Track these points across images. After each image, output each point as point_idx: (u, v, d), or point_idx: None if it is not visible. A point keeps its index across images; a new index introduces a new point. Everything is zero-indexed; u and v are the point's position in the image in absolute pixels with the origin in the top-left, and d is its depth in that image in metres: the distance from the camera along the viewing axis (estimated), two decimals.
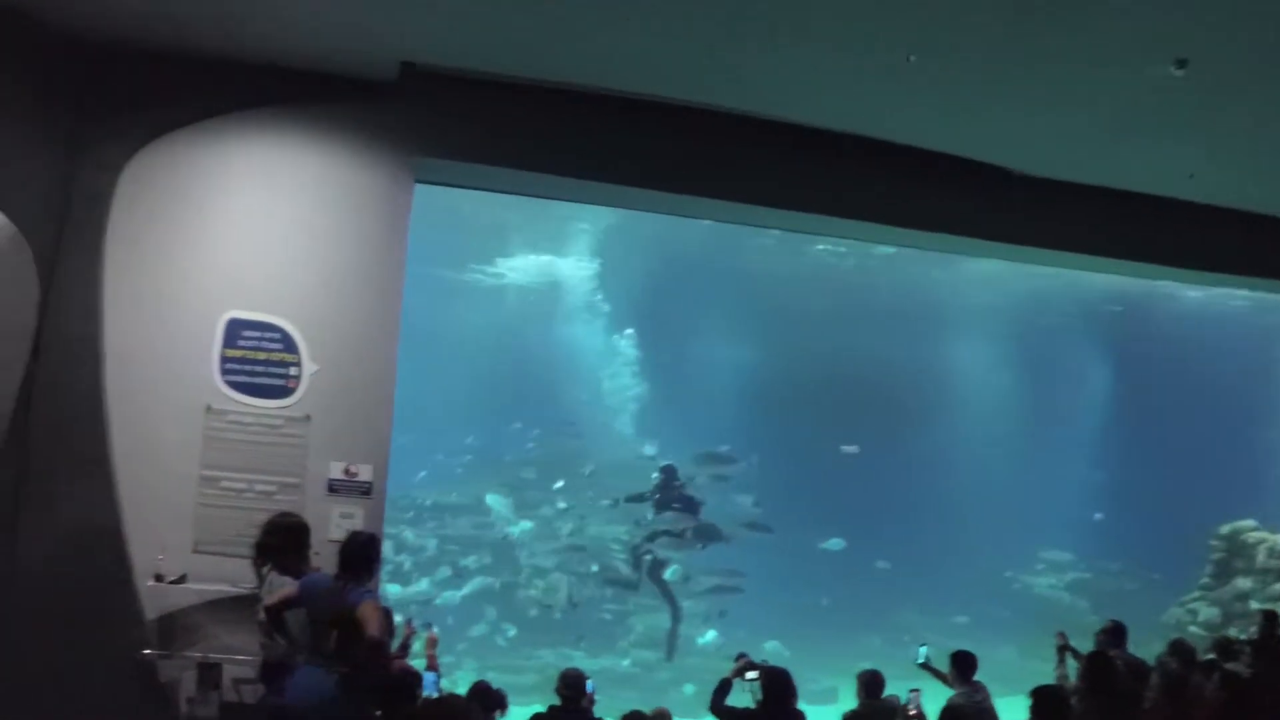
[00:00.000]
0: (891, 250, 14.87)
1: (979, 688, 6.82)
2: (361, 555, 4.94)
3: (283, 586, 5.08)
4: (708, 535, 13.79)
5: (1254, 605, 11.51)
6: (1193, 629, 9.81)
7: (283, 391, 6.36)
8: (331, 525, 6.25)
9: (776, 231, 13.98)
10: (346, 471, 6.45)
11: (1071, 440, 15.77)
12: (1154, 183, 9.19)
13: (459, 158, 7.05)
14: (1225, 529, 12.61)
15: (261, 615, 5.12)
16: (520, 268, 16.12)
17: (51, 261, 6.28)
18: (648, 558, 13.57)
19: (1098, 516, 15.77)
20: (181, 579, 5.88)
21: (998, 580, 15.37)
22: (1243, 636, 7.81)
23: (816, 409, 14.65)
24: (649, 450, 14.54)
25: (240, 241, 6.52)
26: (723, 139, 7.61)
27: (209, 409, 6.23)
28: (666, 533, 13.43)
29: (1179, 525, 13.49)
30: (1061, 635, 7.67)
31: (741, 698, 6.14)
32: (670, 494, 13.53)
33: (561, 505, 14.64)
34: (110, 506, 6.08)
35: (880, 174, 8.23)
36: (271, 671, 5.13)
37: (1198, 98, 7.22)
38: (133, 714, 5.95)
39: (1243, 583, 12.01)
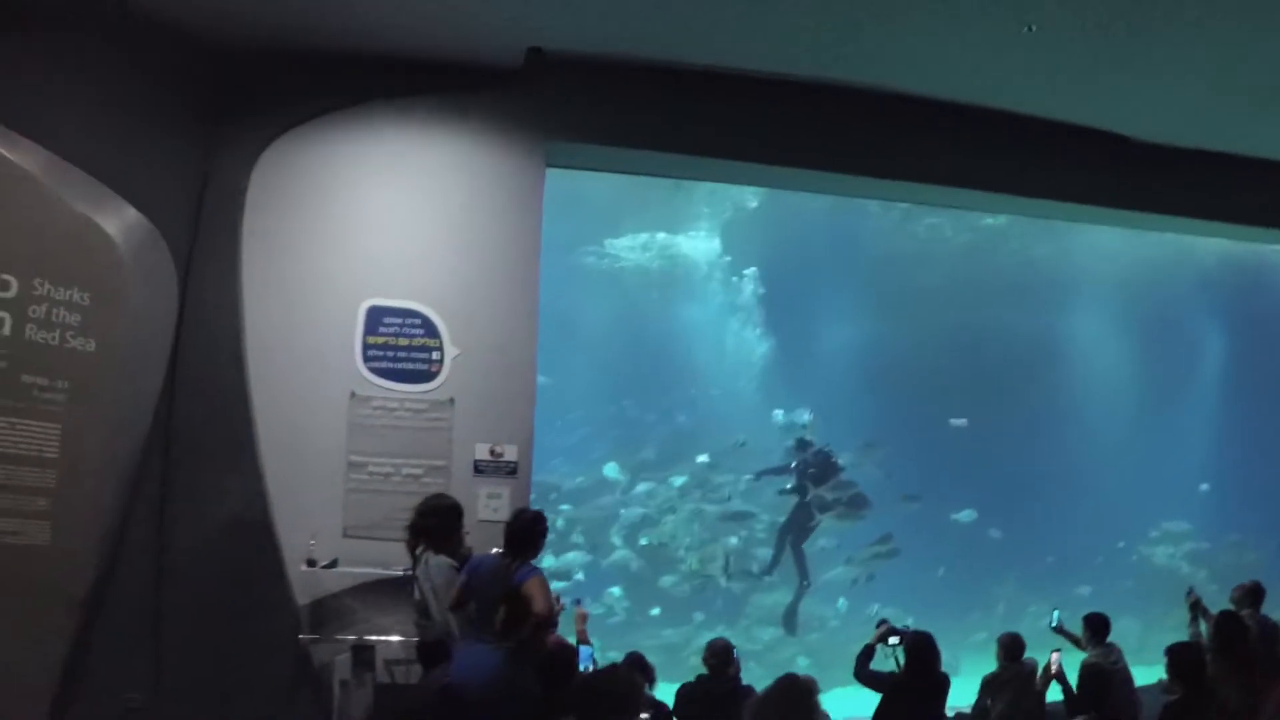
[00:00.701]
0: (1000, 222, 14.69)
1: (1113, 649, 6.78)
2: (529, 533, 4.93)
3: (441, 567, 5.09)
4: (861, 504, 13.65)
5: None
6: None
7: (426, 376, 6.40)
8: (479, 505, 6.29)
9: (896, 210, 14.18)
10: (492, 452, 6.47)
11: (1188, 411, 15.27)
12: (1269, 147, 8.99)
13: (589, 140, 7.04)
14: None
15: (418, 594, 5.15)
16: (639, 247, 15.97)
17: (189, 258, 6.41)
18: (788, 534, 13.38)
19: (1204, 487, 15.26)
20: (333, 564, 5.96)
21: (1115, 552, 14.98)
22: None
23: (936, 384, 14.25)
24: (804, 418, 14.08)
25: (376, 230, 6.57)
26: (847, 114, 7.51)
27: (354, 395, 6.31)
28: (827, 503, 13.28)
29: None
30: (1193, 593, 7.58)
31: (885, 663, 6.18)
32: (813, 464, 13.24)
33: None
34: (259, 496, 6.19)
35: (1000, 144, 8.15)
36: (429, 651, 5.16)
37: None
38: (290, 698, 6.06)
39: None
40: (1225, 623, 6.01)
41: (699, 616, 13.85)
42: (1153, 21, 6.56)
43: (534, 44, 6.73)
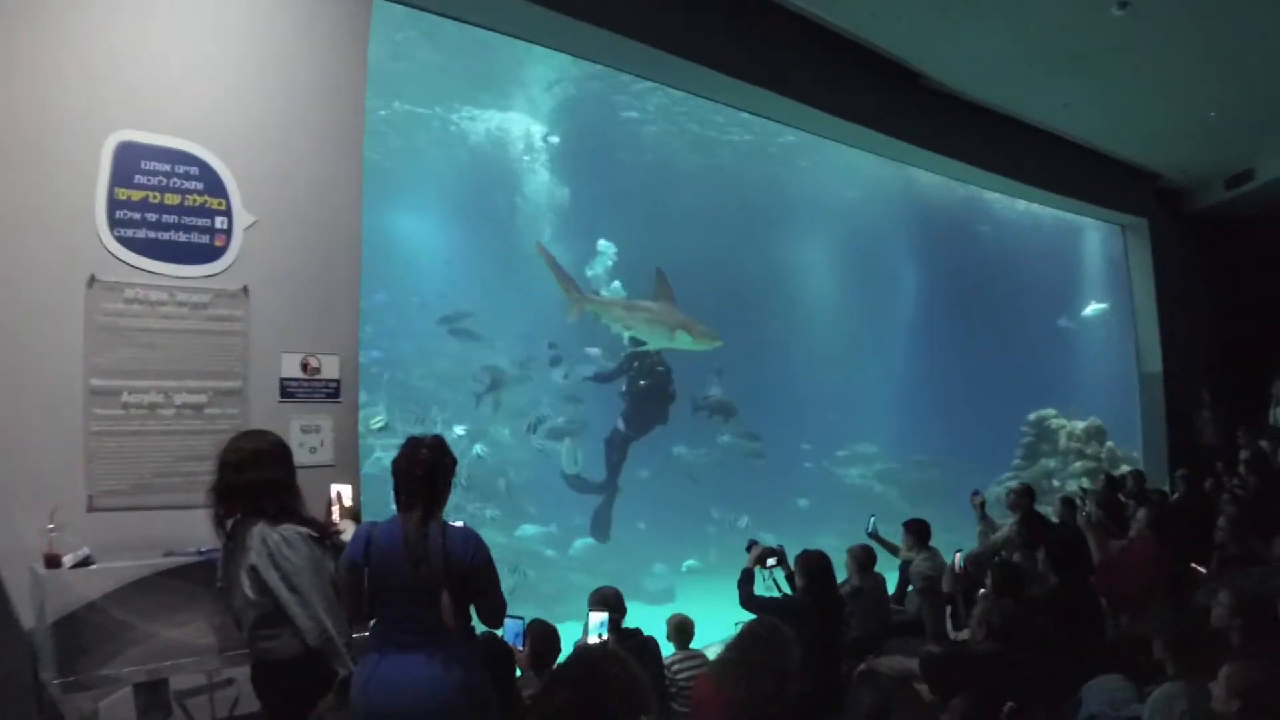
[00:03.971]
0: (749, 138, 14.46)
1: (936, 553, 6.95)
2: (437, 471, 3.19)
3: (292, 543, 3.27)
4: (731, 411, 12.71)
5: (1056, 483, 12.84)
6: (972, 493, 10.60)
7: (207, 253, 4.28)
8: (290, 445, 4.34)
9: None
10: (305, 367, 4.55)
11: (885, 339, 16.35)
12: (1036, 109, 10.13)
13: None
14: (1032, 416, 13.94)
15: (250, 592, 3.24)
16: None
17: None
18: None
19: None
20: (86, 561, 3.65)
21: (819, 470, 15.73)
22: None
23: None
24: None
25: (133, 33, 4.22)
26: None
27: (94, 282, 4.02)
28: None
29: (984, 417, 14.70)
30: (979, 494, 8.32)
31: (765, 588, 5.61)
32: (643, 371, 12.02)
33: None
34: None
35: (791, 45, 7.94)
36: (292, 672, 3.26)
37: (1106, 42, 8.15)
38: None
39: (1048, 463, 13.40)
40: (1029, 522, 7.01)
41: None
42: None
43: None
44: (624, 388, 12.32)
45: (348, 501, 3.88)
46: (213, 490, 3.34)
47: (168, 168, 4.19)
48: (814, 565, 5.49)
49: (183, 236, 4.22)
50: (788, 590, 5.77)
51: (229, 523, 3.33)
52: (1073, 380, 15.16)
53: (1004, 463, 14.09)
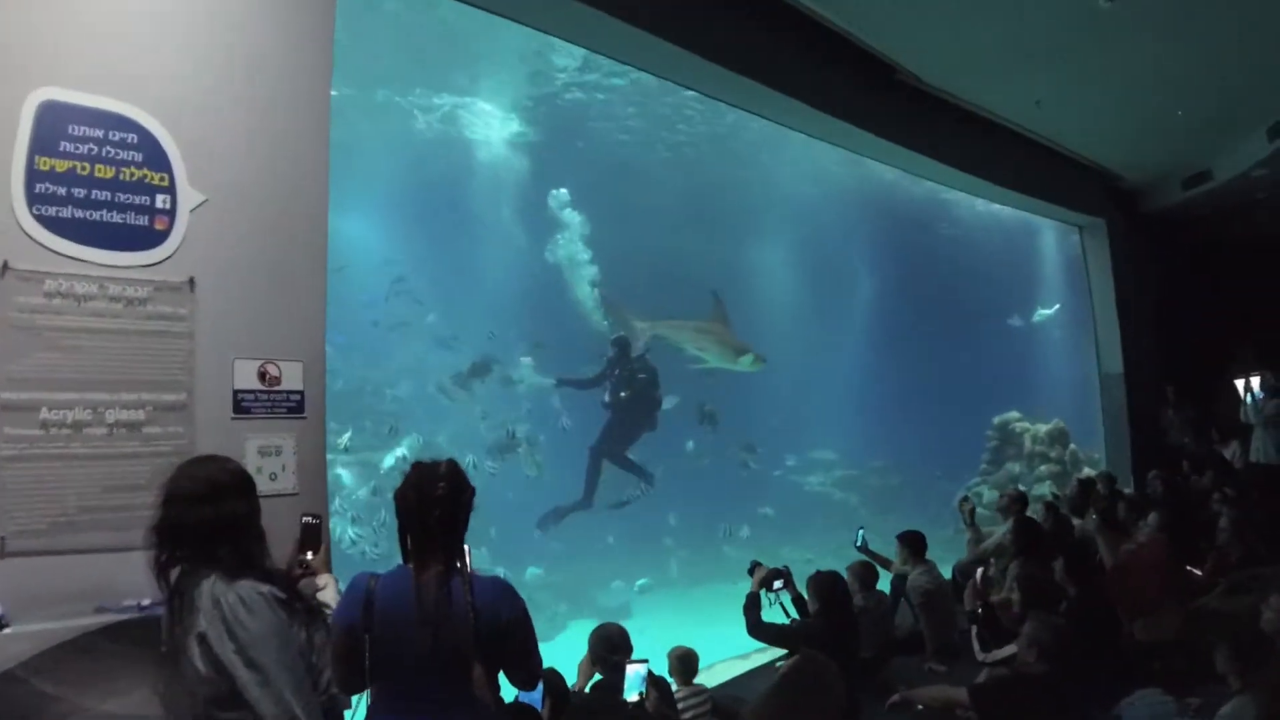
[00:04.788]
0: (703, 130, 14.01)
1: (932, 566, 6.68)
2: (456, 507, 2.55)
3: (251, 604, 2.53)
4: (714, 418, 12.21)
5: (1022, 487, 12.69)
6: (980, 510, 10.49)
7: (146, 237, 3.56)
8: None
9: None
10: (263, 376, 3.85)
11: (842, 343, 15.99)
12: (1008, 106, 10.05)
13: None
14: (997, 420, 13.78)
15: (201, 665, 2.52)
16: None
17: None
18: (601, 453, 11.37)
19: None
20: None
21: (775, 478, 15.27)
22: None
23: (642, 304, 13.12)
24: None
25: None
26: None
27: (6, 270, 3.27)
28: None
29: (944, 420, 14.49)
30: (969, 500, 8.09)
31: (773, 613, 5.29)
32: (640, 370, 11.33)
33: None
34: None
35: (786, 41, 7.72)
36: None
37: (1088, 35, 8.06)
38: None
39: (1013, 467, 13.24)
40: (1024, 526, 6.72)
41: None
42: None
43: None
44: (606, 396, 11.68)
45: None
46: (153, 530, 2.63)
47: (100, 134, 3.47)
48: (828, 588, 5.22)
49: (117, 217, 3.50)
50: (795, 614, 5.39)
51: (173, 573, 2.63)
52: (1033, 382, 15.11)
53: (967, 467, 13.92)
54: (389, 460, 11.38)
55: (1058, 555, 6.11)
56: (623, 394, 11.51)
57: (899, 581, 6.98)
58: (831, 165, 13.91)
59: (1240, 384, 11.38)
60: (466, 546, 2.59)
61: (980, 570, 6.09)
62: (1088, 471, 12.41)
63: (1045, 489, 12.43)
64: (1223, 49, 8.59)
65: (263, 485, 3.50)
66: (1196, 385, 12.06)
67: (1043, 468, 12.99)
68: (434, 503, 2.46)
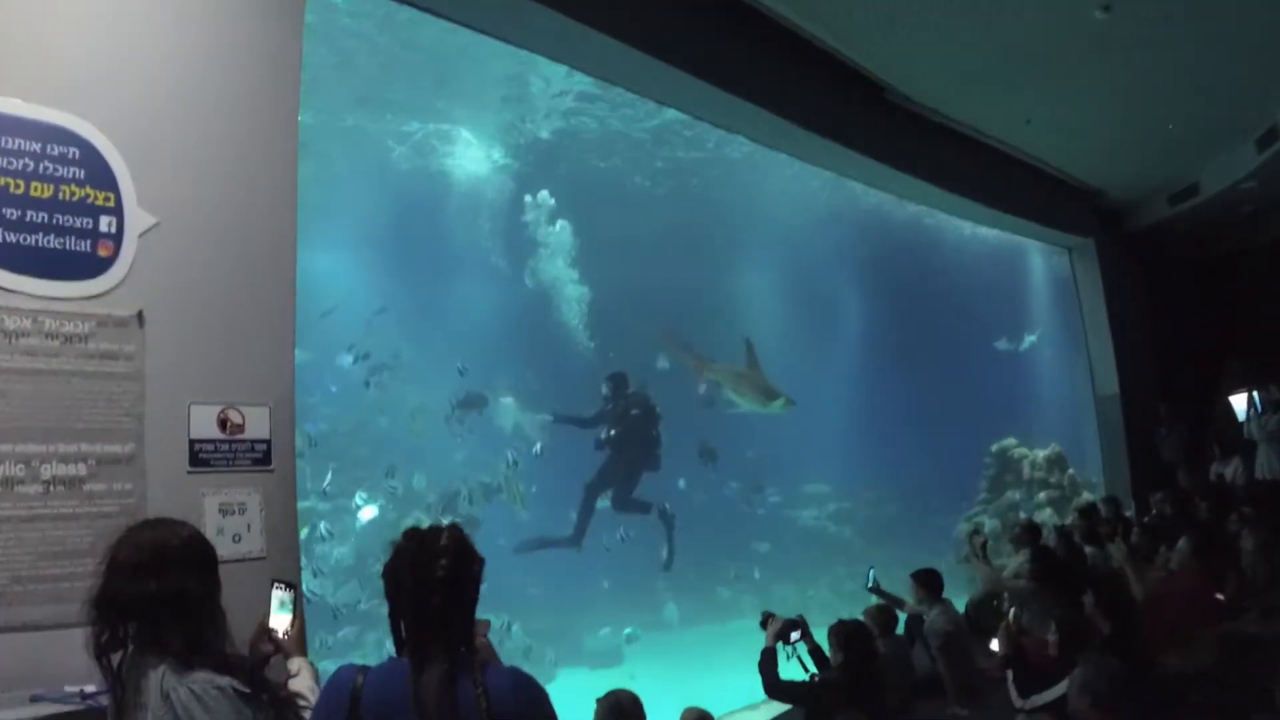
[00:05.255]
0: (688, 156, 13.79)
1: (949, 605, 6.39)
2: (463, 580, 2.08)
3: (206, 700, 2.04)
4: (713, 455, 11.99)
5: (1023, 515, 12.37)
6: (967, 530, 10.16)
7: (89, 265, 3.12)
8: (206, 532, 3.17)
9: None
10: (224, 423, 3.40)
11: (832, 375, 15.57)
12: (998, 125, 9.89)
13: None
14: (995, 446, 13.43)
15: None
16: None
17: None
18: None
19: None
20: None
21: (769, 512, 14.79)
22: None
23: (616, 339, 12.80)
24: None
25: None
26: None
27: None
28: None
29: (937, 449, 14.14)
30: (981, 533, 7.75)
31: (789, 666, 4.93)
32: (637, 406, 10.94)
33: None
34: None
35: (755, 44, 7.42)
36: None
37: (1081, 47, 7.94)
38: None
39: (1013, 494, 12.88)
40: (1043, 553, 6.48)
41: None
42: None
43: None
44: (602, 434, 11.21)
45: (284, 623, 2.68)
46: (92, 604, 2.17)
47: (37, 147, 3.04)
48: (853, 638, 4.89)
49: (55, 241, 3.06)
50: (813, 667, 5.04)
51: (116, 656, 2.16)
52: (1027, 406, 14.83)
53: (964, 495, 13.57)
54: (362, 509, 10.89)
55: (1082, 587, 5.82)
56: (618, 431, 11.09)
57: (915, 622, 6.63)
58: (818, 189, 13.66)
59: (1241, 399, 11.26)
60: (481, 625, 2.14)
61: (1012, 610, 5.72)
62: (1087, 496, 12.15)
63: (1046, 515, 12.08)
64: (1209, 60, 8.44)
65: (225, 549, 3.09)
66: (1193, 402, 11.85)
67: (1042, 494, 12.65)
68: (434, 586, 1.99)
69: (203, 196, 3.44)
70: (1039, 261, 14.59)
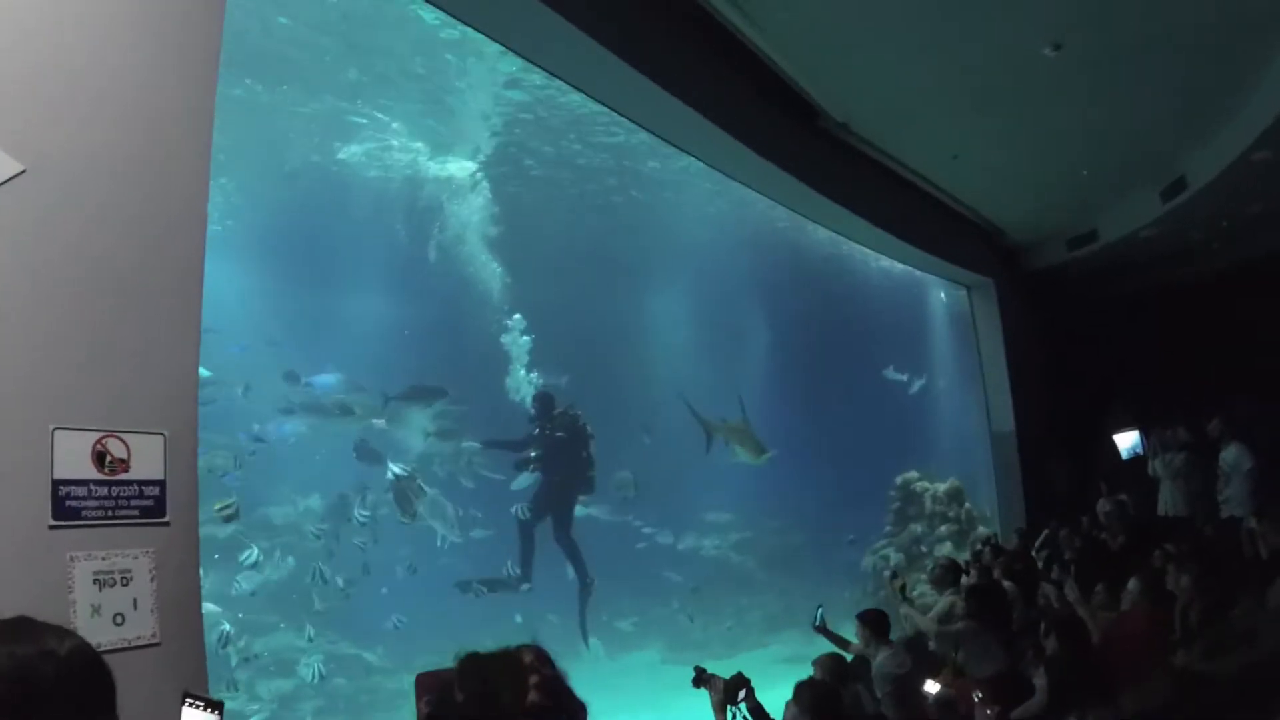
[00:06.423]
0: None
1: (899, 648, 6.03)
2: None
3: None
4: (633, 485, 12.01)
5: (924, 549, 12.30)
6: (886, 574, 10.05)
7: None
8: (77, 612, 2.30)
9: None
10: (102, 458, 2.46)
11: (734, 393, 14.96)
12: (923, 159, 9.83)
13: None
14: (899, 479, 13.29)
15: None
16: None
17: None
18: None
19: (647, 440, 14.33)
20: None
21: (661, 546, 14.07)
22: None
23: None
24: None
25: None
26: None
27: None
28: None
29: (840, 476, 13.92)
30: (900, 576, 7.68)
31: None
32: (563, 430, 10.35)
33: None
34: None
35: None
36: None
37: (1024, 85, 7.93)
38: None
39: (915, 527, 12.76)
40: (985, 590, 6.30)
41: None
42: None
43: None
44: (533, 453, 10.51)
45: None
46: None
47: None
48: (823, 702, 4.28)
49: None
50: None
51: None
52: (927, 438, 14.86)
53: (867, 522, 13.42)
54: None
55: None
56: (545, 455, 10.45)
57: (860, 665, 6.21)
58: (727, 208, 13.29)
59: (1128, 437, 11.57)
60: None
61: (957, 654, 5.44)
62: (983, 530, 12.20)
63: (947, 549, 12.05)
64: (1141, 104, 8.51)
65: (102, 633, 2.21)
66: (1084, 439, 12.08)
67: (943, 528, 12.64)
68: None
69: (89, 145, 2.51)
70: (939, 296, 14.72)
